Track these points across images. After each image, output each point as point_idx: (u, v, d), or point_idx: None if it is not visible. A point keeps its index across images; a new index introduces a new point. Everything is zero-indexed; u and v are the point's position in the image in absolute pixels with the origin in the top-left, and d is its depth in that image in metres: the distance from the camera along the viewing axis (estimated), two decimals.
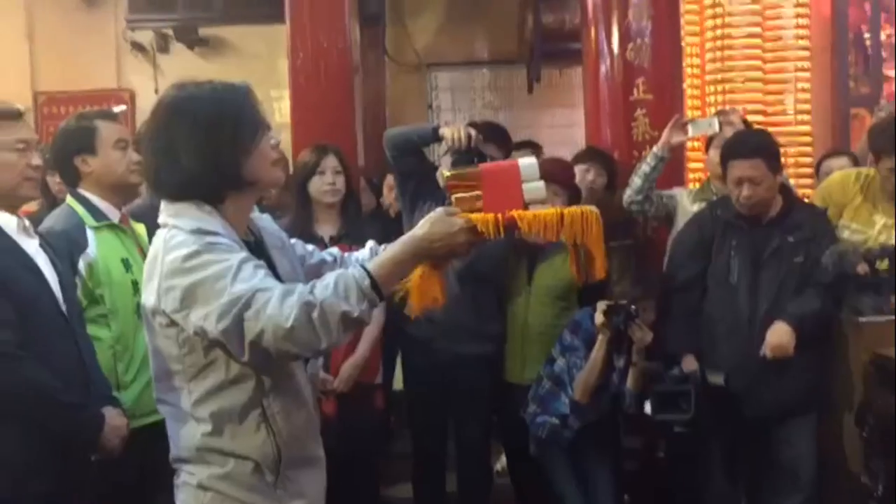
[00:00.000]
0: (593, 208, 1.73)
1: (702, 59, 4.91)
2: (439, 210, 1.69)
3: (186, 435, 1.73)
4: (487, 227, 1.65)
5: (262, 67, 6.41)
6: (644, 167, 3.53)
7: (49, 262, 2.27)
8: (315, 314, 1.55)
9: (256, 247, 1.78)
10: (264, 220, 1.90)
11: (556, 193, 3.34)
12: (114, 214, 2.64)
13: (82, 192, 2.63)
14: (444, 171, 1.85)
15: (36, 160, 2.23)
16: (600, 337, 3.08)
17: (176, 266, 1.62)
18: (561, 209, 1.70)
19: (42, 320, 2.18)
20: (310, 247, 2.01)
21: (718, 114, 3.66)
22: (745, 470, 3.23)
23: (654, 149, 3.54)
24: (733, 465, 3.22)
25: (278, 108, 6.24)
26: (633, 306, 3.04)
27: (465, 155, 3.11)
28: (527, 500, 3.63)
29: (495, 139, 3.42)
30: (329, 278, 1.60)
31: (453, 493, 3.50)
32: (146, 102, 7.03)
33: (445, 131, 3.12)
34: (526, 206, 1.71)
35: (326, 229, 3.27)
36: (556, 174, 3.54)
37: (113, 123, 2.69)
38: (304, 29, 4.33)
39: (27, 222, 2.28)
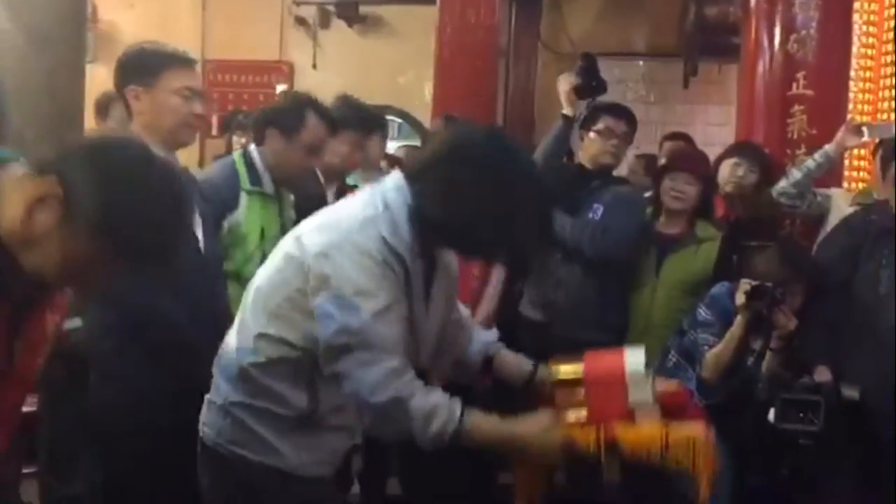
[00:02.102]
0: (702, 432, 1.65)
1: (878, 55, 4.54)
2: (545, 421, 1.66)
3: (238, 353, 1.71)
4: (588, 447, 1.64)
5: (414, 47, 6.48)
6: (810, 163, 3.35)
7: (197, 214, 2.30)
8: (394, 413, 1.57)
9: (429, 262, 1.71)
10: None
11: (689, 183, 3.21)
12: (269, 186, 2.70)
13: (254, 154, 2.70)
14: (552, 369, 1.82)
15: (198, 109, 2.30)
16: (739, 317, 2.89)
17: (345, 253, 1.57)
18: (665, 429, 1.63)
19: (184, 265, 2.22)
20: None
21: None
22: (878, 495, 2.97)
23: (826, 147, 3.35)
24: (864, 488, 2.97)
25: (427, 88, 6.30)
26: (778, 289, 2.84)
27: (586, 75, 3.32)
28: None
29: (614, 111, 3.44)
30: (433, 400, 1.59)
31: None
32: (304, 76, 7.29)
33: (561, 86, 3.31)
34: (631, 412, 1.67)
35: None
36: (688, 162, 3.39)
37: (321, 125, 2.70)
38: (453, 4, 4.33)
39: (184, 167, 2.33)
